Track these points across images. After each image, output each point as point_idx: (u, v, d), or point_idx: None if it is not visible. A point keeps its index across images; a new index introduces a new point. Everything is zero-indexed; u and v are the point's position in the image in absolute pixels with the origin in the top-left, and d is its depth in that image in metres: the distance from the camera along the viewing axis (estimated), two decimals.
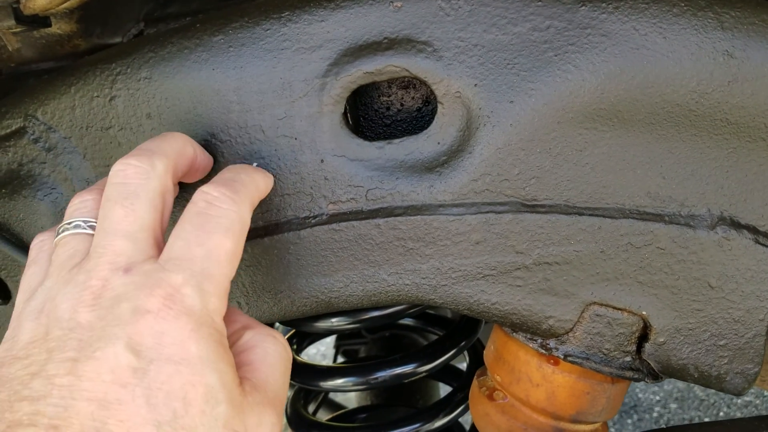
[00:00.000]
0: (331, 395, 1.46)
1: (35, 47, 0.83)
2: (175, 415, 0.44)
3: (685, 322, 0.62)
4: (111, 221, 0.51)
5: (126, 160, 0.53)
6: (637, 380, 0.65)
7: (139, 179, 0.52)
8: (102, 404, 0.42)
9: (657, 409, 2.67)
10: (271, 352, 0.55)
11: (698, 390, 2.71)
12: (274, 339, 0.56)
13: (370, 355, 1.45)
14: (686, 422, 2.58)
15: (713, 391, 2.67)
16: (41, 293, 0.51)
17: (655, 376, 0.65)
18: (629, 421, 2.63)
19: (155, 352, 0.45)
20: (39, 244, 0.58)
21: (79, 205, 0.56)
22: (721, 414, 2.59)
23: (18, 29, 0.70)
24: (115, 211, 0.51)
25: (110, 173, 0.53)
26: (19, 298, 0.54)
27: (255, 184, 0.57)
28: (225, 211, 0.52)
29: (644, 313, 0.62)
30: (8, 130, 0.68)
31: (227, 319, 0.54)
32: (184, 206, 0.54)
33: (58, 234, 0.55)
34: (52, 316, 0.48)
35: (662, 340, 0.63)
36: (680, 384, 2.75)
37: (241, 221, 0.53)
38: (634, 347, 0.64)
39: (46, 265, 0.54)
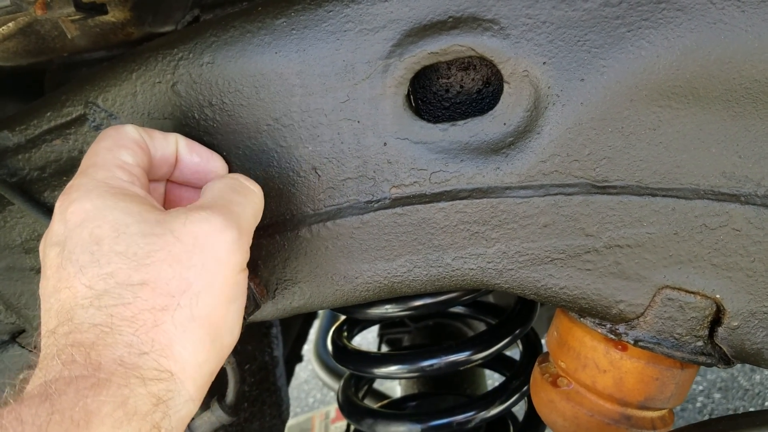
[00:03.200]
0: (375, 385, 1.46)
1: (89, 36, 0.83)
2: (93, 253, 0.50)
3: (760, 305, 0.60)
4: None
5: None
6: (709, 365, 0.63)
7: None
8: (55, 290, 0.51)
9: (700, 399, 2.63)
10: (217, 184, 0.59)
11: (742, 380, 2.67)
12: (226, 176, 0.60)
13: (415, 344, 1.44)
14: (730, 412, 2.54)
15: (758, 380, 2.62)
16: None
17: (727, 361, 0.63)
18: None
19: (66, 231, 0.52)
20: None
21: None
22: (767, 404, 2.54)
23: (77, 16, 0.70)
24: None
25: None
26: None
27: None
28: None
29: (718, 296, 0.60)
30: (69, 118, 0.68)
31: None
32: None
33: None
34: None
35: (736, 324, 0.61)
36: (723, 374, 2.71)
37: (116, 130, 0.58)
38: (706, 332, 0.62)
39: None
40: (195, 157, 0.62)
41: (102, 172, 0.54)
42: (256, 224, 0.59)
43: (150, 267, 0.50)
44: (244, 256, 0.56)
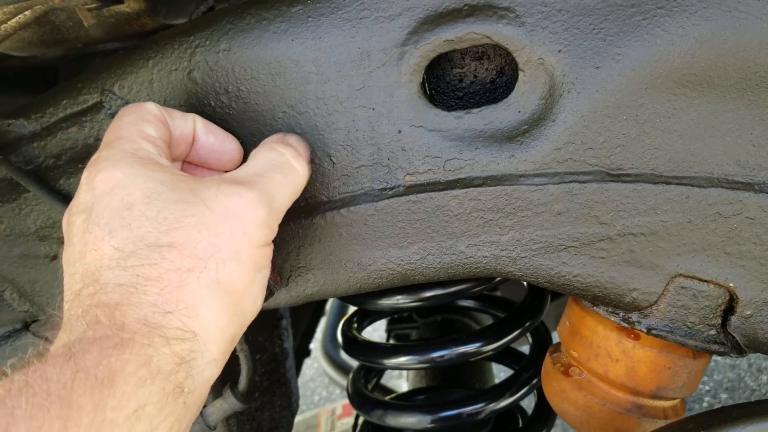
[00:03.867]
0: (381, 380, 1.46)
1: (104, 26, 0.83)
2: (123, 218, 0.51)
3: None
4: None
5: None
6: (722, 354, 0.64)
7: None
8: (81, 255, 0.51)
9: (707, 399, 2.62)
10: (259, 156, 0.59)
11: (749, 380, 2.66)
12: (270, 149, 0.60)
13: (425, 338, 1.44)
14: None
15: (765, 380, 2.62)
16: None
17: (740, 350, 0.63)
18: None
19: (92, 199, 0.53)
20: None
21: None
22: None
23: (93, 5, 0.70)
24: None
25: None
26: None
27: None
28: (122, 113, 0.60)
29: (731, 285, 0.60)
30: (85, 105, 0.68)
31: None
32: None
33: None
34: None
35: (749, 312, 0.61)
36: (730, 374, 2.70)
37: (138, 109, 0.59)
38: (719, 320, 0.62)
39: None
40: (211, 138, 0.62)
41: (129, 144, 0.55)
42: (291, 203, 0.59)
43: (179, 231, 0.51)
44: (272, 232, 0.57)
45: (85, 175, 0.55)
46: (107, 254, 0.50)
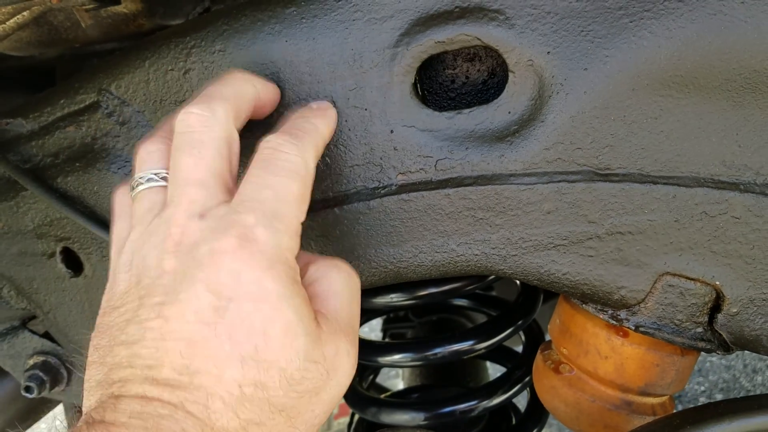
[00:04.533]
0: (377, 379, 1.47)
1: (101, 26, 0.84)
2: (257, 350, 0.46)
3: (759, 292, 0.61)
4: (182, 171, 0.53)
5: (188, 108, 0.54)
6: (709, 351, 0.65)
7: (202, 127, 0.53)
8: (189, 343, 0.45)
9: (702, 399, 2.63)
10: (336, 281, 0.56)
11: (744, 380, 2.67)
12: (337, 268, 0.57)
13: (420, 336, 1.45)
14: None
15: (760, 381, 2.63)
16: (129, 246, 0.54)
17: (727, 348, 0.64)
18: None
19: (234, 290, 0.47)
20: (120, 198, 0.61)
21: (146, 157, 0.58)
22: None
23: (91, 6, 0.71)
24: (184, 160, 0.53)
25: (176, 123, 0.55)
26: (113, 252, 0.57)
27: (316, 130, 0.58)
28: (288, 156, 0.53)
29: (717, 283, 0.61)
30: (82, 105, 0.69)
31: None
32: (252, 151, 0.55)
33: (134, 189, 0.57)
34: (140, 266, 0.51)
35: (735, 310, 0.62)
36: (725, 374, 2.71)
37: (306, 166, 0.54)
38: (706, 318, 0.63)
39: (129, 219, 0.57)
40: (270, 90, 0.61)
41: (286, 239, 0.50)
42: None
43: (296, 395, 0.47)
44: None
45: (230, 245, 0.48)
46: (226, 386, 0.45)
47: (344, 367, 0.51)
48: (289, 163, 0.52)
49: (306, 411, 0.48)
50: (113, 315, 0.49)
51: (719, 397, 2.62)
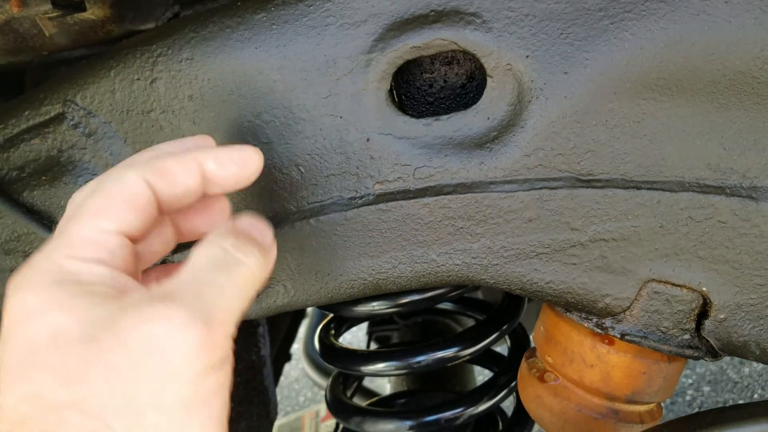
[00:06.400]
0: (364, 382, 1.46)
1: (68, 34, 0.82)
2: (23, 366, 0.42)
3: (746, 297, 0.60)
4: None
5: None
6: (696, 358, 0.63)
7: None
8: None
9: (690, 392, 2.64)
10: (201, 254, 0.49)
11: (732, 372, 2.68)
12: (211, 243, 0.50)
13: (404, 341, 1.43)
14: (720, 405, 2.55)
15: (747, 373, 2.64)
16: None
17: (715, 354, 0.63)
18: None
19: (8, 327, 0.44)
20: None
21: None
22: (756, 396, 2.56)
23: (54, 14, 0.69)
24: None
25: None
26: None
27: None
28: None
29: (704, 289, 0.60)
30: (47, 117, 0.67)
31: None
32: None
33: None
34: None
35: (723, 316, 0.61)
36: (713, 366, 2.72)
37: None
38: (693, 324, 0.62)
39: None
40: (231, 167, 0.53)
41: (61, 250, 0.46)
42: (248, 302, 0.49)
43: (82, 383, 0.41)
44: (217, 349, 0.44)
45: (9, 285, 0.45)
46: (5, 414, 0.41)
47: (159, 338, 0.42)
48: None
49: (108, 397, 0.41)
50: None
51: (707, 389, 2.63)
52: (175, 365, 0.42)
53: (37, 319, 0.43)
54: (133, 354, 0.41)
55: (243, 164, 0.53)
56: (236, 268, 0.48)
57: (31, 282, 0.45)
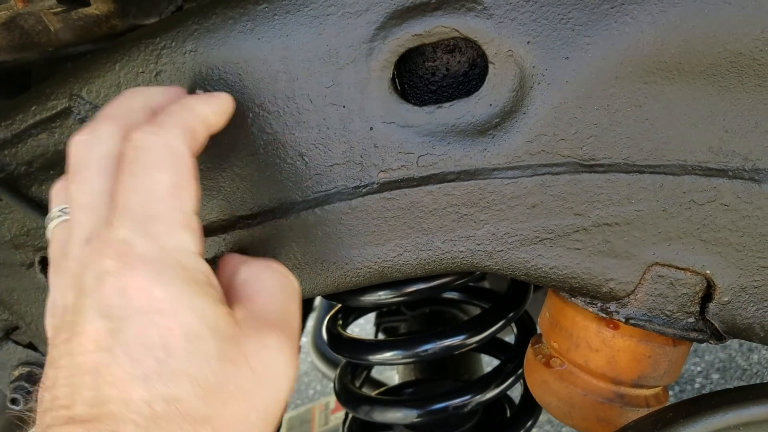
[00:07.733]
0: (372, 373, 1.46)
1: (73, 29, 0.82)
2: (160, 363, 0.43)
3: (750, 279, 0.60)
4: (71, 199, 0.51)
5: (75, 136, 0.52)
6: (701, 341, 0.64)
7: (84, 150, 0.51)
8: (94, 373, 0.43)
9: (699, 380, 2.64)
10: (266, 280, 0.54)
11: (740, 359, 2.68)
12: (269, 269, 0.55)
13: (411, 332, 1.44)
14: None
15: (756, 360, 2.63)
16: (51, 290, 0.52)
17: (719, 337, 0.63)
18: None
19: (123, 309, 0.44)
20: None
21: (53, 196, 0.57)
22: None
23: (59, 9, 0.69)
24: (72, 188, 0.51)
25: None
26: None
27: (186, 109, 0.52)
28: (148, 147, 0.48)
29: (708, 272, 0.60)
30: (54, 111, 0.68)
31: (223, 262, 0.56)
32: None
33: (47, 230, 0.56)
34: (54, 309, 0.50)
35: (727, 299, 0.61)
36: (721, 354, 2.72)
37: (169, 149, 0.49)
38: (697, 307, 0.62)
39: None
40: (225, 113, 0.56)
41: (170, 238, 0.47)
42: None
43: (219, 402, 0.44)
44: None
45: (111, 265, 0.45)
46: (134, 406, 0.42)
47: (276, 366, 0.48)
48: (151, 154, 0.48)
49: (236, 419, 0.45)
50: (45, 363, 0.48)
51: (716, 377, 2.63)
52: (284, 393, 0.48)
53: (170, 316, 0.44)
54: (259, 381, 0.46)
55: (228, 106, 0.57)
56: (296, 292, 0.55)
57: (156, 273, 0.45)
